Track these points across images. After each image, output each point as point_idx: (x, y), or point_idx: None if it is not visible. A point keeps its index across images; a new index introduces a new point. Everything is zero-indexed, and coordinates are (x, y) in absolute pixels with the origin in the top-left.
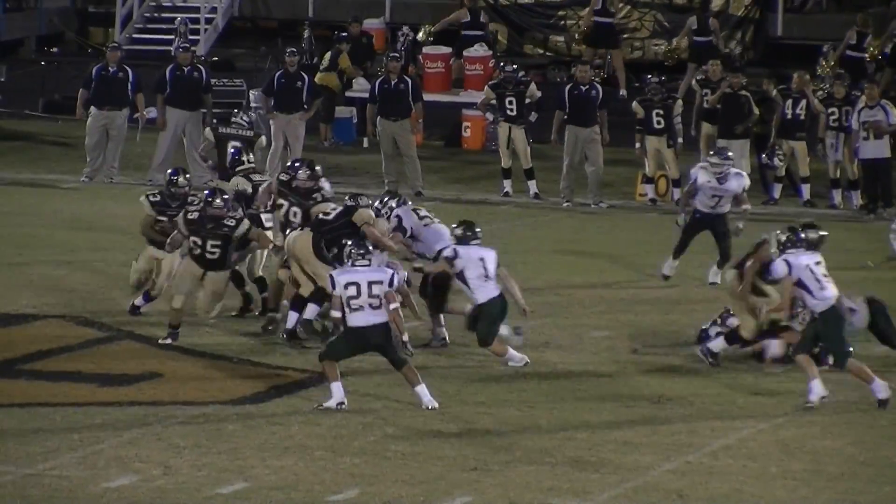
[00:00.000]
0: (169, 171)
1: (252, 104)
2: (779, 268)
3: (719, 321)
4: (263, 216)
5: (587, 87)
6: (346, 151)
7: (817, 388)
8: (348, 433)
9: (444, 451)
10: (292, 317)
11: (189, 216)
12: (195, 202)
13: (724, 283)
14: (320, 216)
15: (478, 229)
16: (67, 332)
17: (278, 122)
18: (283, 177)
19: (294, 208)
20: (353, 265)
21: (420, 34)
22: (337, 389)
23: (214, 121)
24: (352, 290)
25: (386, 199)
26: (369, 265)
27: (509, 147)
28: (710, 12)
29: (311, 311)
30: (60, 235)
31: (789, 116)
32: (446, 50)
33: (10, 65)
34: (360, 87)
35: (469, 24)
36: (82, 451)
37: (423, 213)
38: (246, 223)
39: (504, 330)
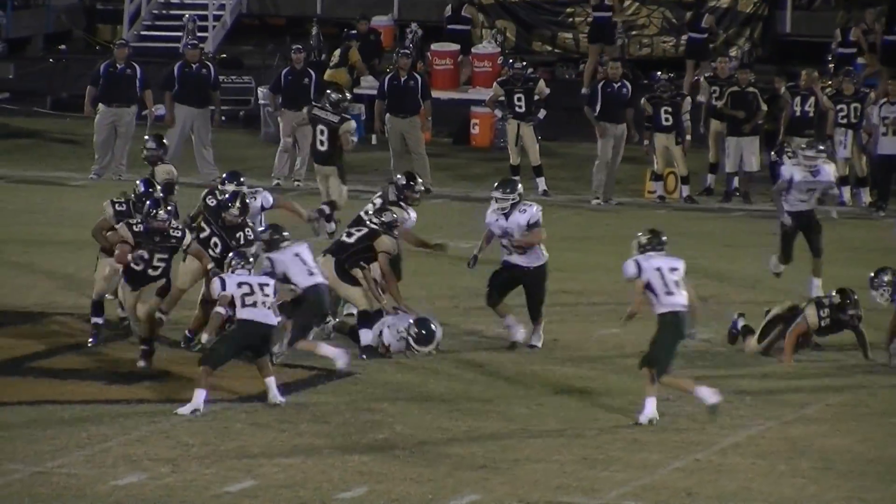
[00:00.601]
0: (148, 202)
1: (261, 101)
2: (628, 268)
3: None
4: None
5: (619, 84)
6: (354, 148)
7: (648, 408)
8: (356, 431)
9: (453, 449)
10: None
11: (134, 228)
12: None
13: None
14: (342, 238)
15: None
16: (75, 330)
17: (286, 119)
18: (211, 201)
19: (216, 238)
20: (233, 273)
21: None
22: (200, 396)
23: (312, 102)
24: (245, 289)
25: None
26: (249, 274)
27: (518, 144)
28: (706, 8)
29: (364, 338)
30: (68, 233)
31: (798, 114)
32: (455, 47)
33: (18, 62)
34: (369, 84)
35: (452, 18)
36: (90, 449)
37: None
38: (189, 236)
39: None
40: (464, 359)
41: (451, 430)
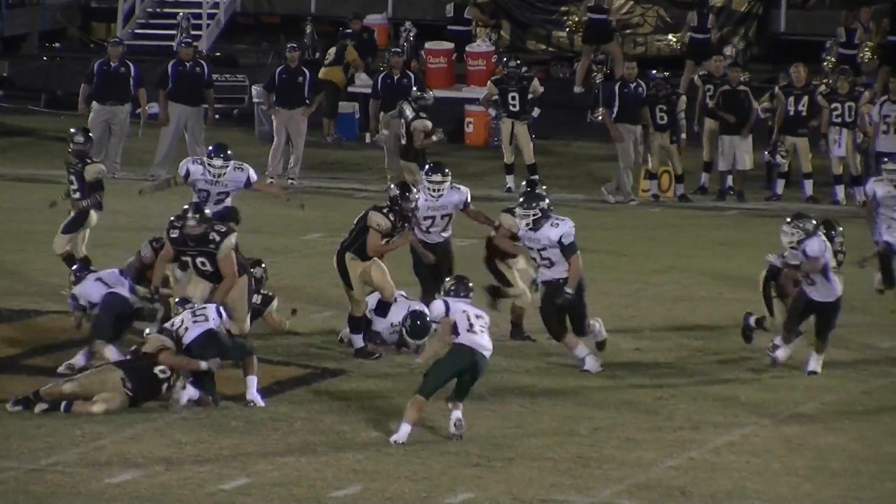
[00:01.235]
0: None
1: (255, 99)
2: (436, 309)
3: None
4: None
5: (635, 84)
6: (348, 147)
7: (403, 431)
8: (350, 429)
9: (447, 447)
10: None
11: (171, 235)
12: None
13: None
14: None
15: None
16: (69, 328)
17: (280, 117)
18: (174, 233)
19: (200, 258)
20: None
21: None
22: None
23: (418, 94)
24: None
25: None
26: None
27: (512, 143)
28: (709, 9)
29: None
30: None
31: (791, 113)
32: (449, 46)
33: (12, 60)
34: (363, 82)
35: (453, 19)
36: (84, 447)
37: None
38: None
39: None
40: None
41: (445, 429)
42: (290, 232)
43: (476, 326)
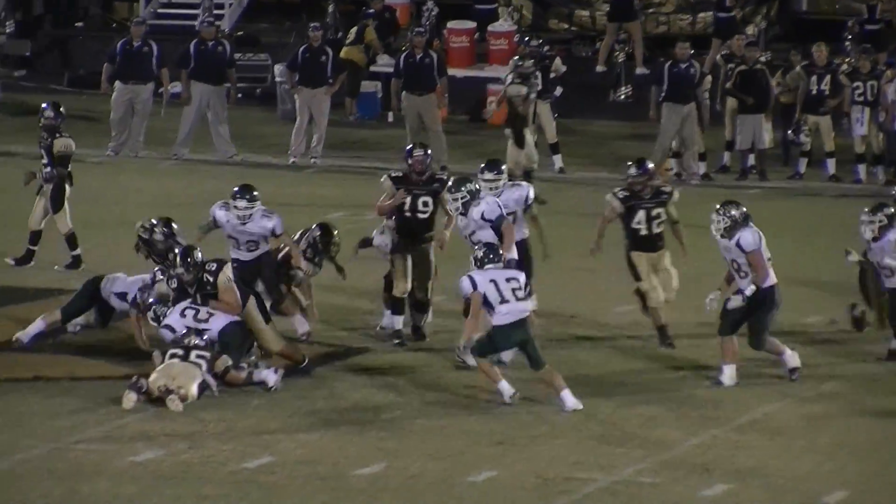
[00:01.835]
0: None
1: (277, 79)
2: (463, 287)
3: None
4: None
5: (686, 64)
6: (370, 126)
7: (503, 389)
8: (374, 408)
9: (470, 426)
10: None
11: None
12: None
13: None
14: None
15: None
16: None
17: (303, 96)
18: (173, 284)
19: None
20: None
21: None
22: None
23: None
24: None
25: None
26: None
27: (534, 122)
28: None
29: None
30: (86, 210)
31: (814, 92)
32: (471, 25)
33: (34, 40)
34: (385, 62)
35: None
36: (108, 425)
37: None
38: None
39: None
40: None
41: (468, 407)
42: (313, 210)
43: (507, 293)
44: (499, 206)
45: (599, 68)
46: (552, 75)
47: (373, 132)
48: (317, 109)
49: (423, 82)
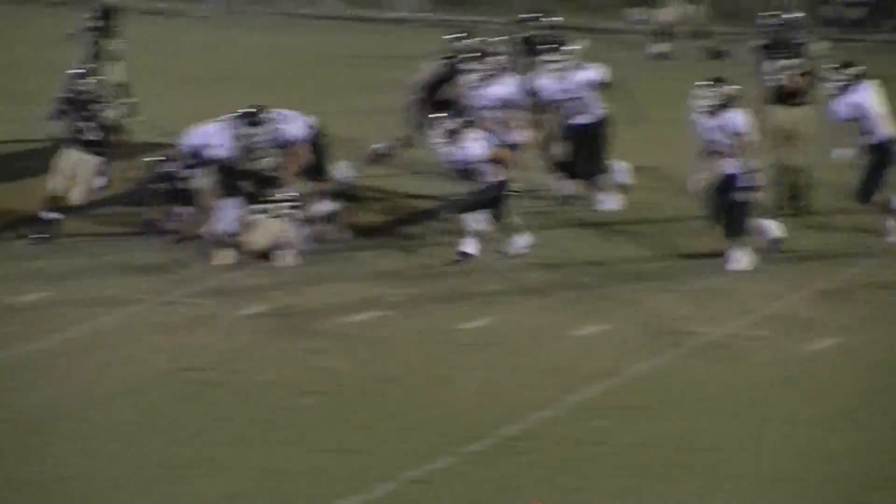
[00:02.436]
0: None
1: None
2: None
3: None
4: None
5: None
6: None
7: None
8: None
9: (581, 279)
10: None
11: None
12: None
13: None
14: None
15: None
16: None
17: None
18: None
19: None
20: None
21: None
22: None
23: None
24: None
25: None
26: None
27: None
28: None
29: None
30: (190, 68)
31: None
32: None
33: None
34: None
35: None
36: (213, 280)
37: None
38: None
39: None
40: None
41: (587, 263)
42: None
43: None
44: None
45: None
46: None
47: None
48: None
49: None
